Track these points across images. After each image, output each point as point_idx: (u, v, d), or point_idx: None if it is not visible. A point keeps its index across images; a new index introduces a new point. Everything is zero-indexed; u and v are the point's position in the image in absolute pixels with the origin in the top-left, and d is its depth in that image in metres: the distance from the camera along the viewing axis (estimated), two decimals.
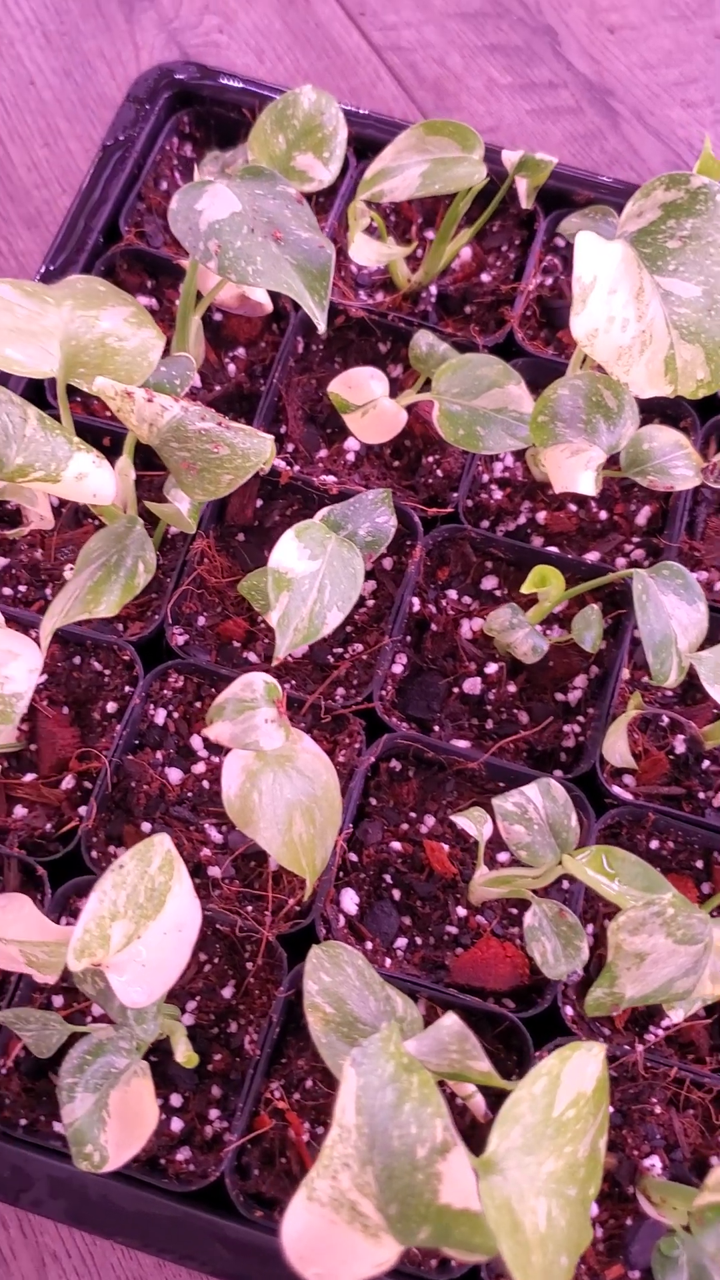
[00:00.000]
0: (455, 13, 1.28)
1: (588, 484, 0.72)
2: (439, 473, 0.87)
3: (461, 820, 0.72)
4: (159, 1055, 0.72)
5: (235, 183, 0.73)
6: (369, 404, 0.81)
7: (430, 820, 0.79)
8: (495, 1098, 0.67)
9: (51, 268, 0.91)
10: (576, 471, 0.73)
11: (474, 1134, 0.69)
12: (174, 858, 0.61)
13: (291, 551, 0.69)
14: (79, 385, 0.68)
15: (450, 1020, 0.59)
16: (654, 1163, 0.70)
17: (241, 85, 0.99)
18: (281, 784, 0.67)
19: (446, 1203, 0.50)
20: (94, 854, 0.75)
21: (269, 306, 0.88)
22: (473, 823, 0.73)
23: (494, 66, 1.25)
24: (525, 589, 0.75)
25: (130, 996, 0.59)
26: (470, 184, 0.79)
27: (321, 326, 0.68)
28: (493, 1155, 0.51)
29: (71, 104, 1.21)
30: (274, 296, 0.90)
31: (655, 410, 0.90)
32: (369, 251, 0.86)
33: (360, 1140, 0.52)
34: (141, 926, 0.59)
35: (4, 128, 1.20)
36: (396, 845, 0.78)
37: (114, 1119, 0.63)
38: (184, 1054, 0.66)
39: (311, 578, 0.69)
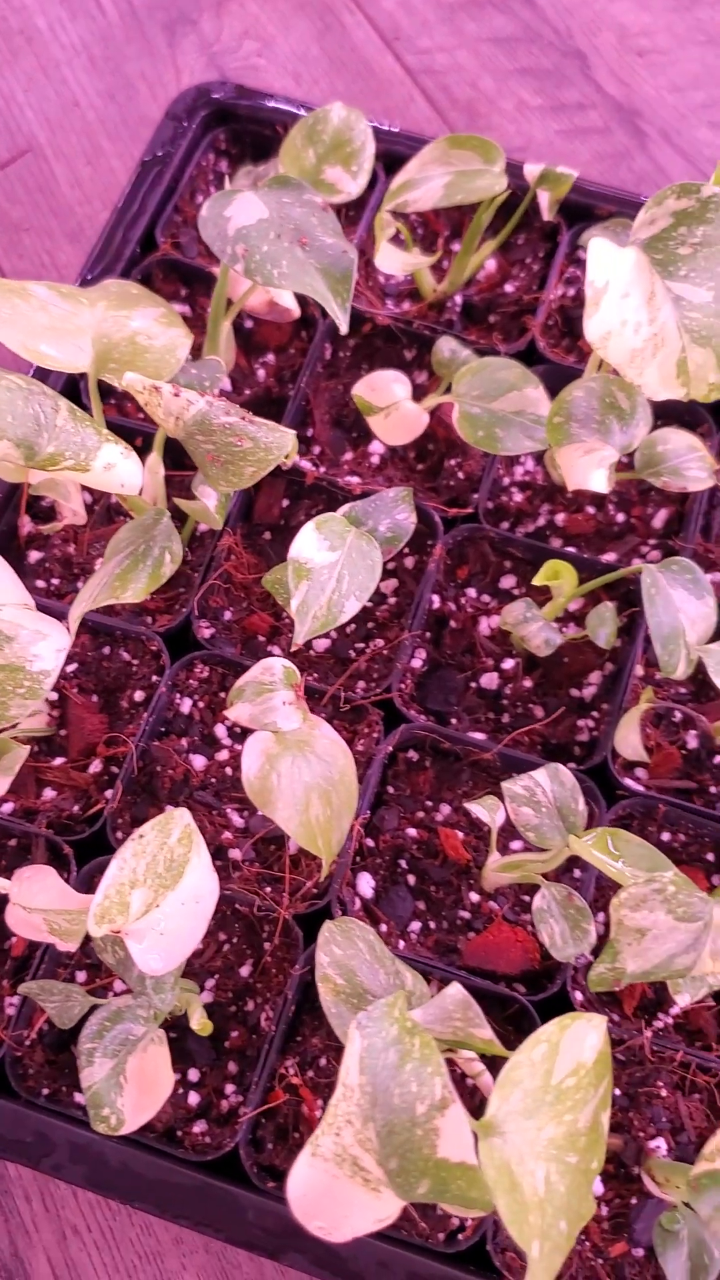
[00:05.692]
0: (488, 37, 1.31)
1: (600, 482, 0.74)
2: (460, 475, 0.90)
3: (475, 808, 0.74)
4: (178, 1031, 0.74)
5: (263, 191, 0.76)
6: (391, 406, 0.84)
7: (446, 809, 0.81)
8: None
9: (90, 276, 0.94)
10: (590, 470, 0.75)
11: (481, 1110, 0.71)
12: (193, 831, 0.63)
13: (311, 542, 0.71)
14: (110, 380, 0.71)
15: (454, 989, 0.61)
16: (659, 1145, 0.72)
17: (276, 104, 1.02)
18: (300, 767, 0.69)
19: (444, 1156, 0.52)
20: (119, 835, 0.77)
21: (296, 312, 0.91)
22: (486, 810, 0.75)
23: (525, 89, 1.28)
24: (537, 581, 0.77)
25: (148, 964, 0.61)
26: (491, 195, 0.82)
27: (344, 327, 0.71)
28: (492, 1118, 0.53)
29: (114, 124, 1.25)
30: (302, 304, 0.93)
31: (673, 416, 0.92)
32: (394, 260, 0.88)
33: (363, 1098, 0.54)
34: (160, 895, 0.61)
35: (49, 147, 1.24)
36: (412, 832, 0.80)
37: (131, 1084, 0.65)
38: (199, 1022, 0.68)
39: (330, 568, 0.71)
